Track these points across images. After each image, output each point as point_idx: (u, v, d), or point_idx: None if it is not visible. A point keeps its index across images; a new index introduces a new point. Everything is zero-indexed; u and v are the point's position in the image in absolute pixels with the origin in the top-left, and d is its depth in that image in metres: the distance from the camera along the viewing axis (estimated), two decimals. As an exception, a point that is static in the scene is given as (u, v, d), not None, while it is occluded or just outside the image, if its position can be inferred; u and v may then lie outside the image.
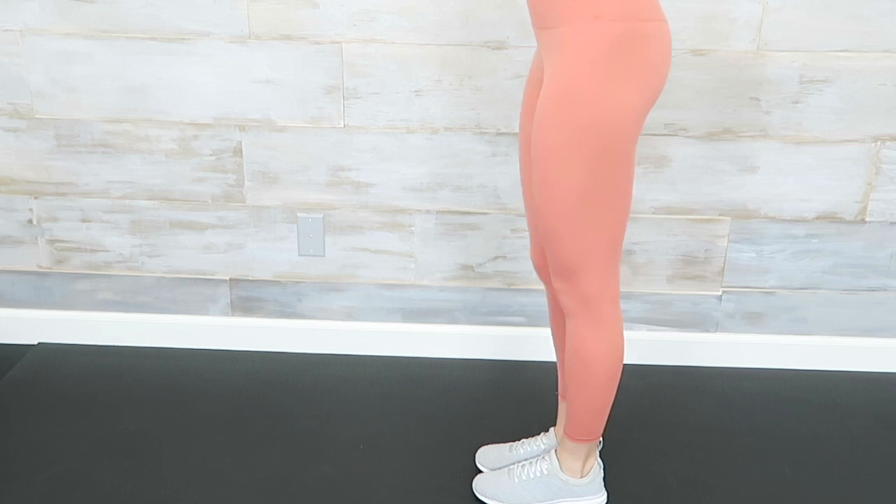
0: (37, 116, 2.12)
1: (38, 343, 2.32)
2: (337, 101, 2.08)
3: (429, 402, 2.07)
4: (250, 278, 2.26)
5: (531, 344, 2.26)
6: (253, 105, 2.09)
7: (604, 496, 1.69)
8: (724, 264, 2.19)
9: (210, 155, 2.14)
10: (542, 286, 2.23)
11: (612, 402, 1.58)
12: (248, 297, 2.28)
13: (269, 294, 2.28)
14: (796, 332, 2.25)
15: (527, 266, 2.20)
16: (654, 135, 2.08)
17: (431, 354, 2.29)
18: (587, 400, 1.56)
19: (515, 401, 2.08)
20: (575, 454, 1.64)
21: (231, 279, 2.27)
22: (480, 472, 1.80)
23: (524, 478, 1.68)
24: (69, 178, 2.18)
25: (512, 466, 1.72)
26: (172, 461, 1.82)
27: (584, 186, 1.38)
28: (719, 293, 2.22)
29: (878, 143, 2.07)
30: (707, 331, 2.26)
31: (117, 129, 2.13)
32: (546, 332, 2.25)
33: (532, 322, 2.25)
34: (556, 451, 1.68)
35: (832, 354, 2.25)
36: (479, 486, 1.72)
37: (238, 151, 2.14)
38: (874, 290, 2.21)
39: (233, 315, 2.30)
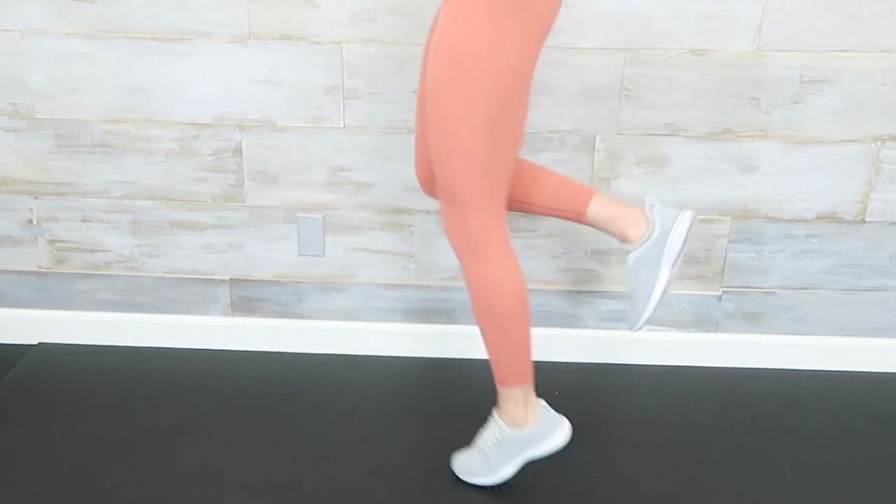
0: (37, 116, 2.13)
1: (38, 343, 2.32)
2: (337, 101, 2.08)
3: (428, 402, 2.07)
4: (250, 278, 2.26)
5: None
6: (253, 105, 2.09)
7: (565, 427, 1.67)
8: (724, 264, 2.19)
9: (210, 155, 2.14)
10: (541, 286, 2.23)
11: (526, 339, 1.60)
12: (248, 297, 2.28)
13: (269, 294, 2.28)
14: (796, 332, 2.25)
15: (527, 266, 2.20)
16: (654, 135, 2.08)
17: (431, 354, 2.29)
18: (499, 340, 1.60)
19: (515, 401, 2.08)
20: (513, 401, 1.65)
21: (231, 279, 2.27)
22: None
23: (486, 449, 1.73)
24: (69, 178, 2.18)
25: (473, 444, 1.78)
26: (172, 461, 1.82)
27: (477, 121, 1.43)
28: (719, 293, 2.22)
29: (878, 143, 2.07)
30: (707, 331, 2.26)
31: (117, 129, 2.13)
32: (547, 332, 2.25)
33: (532, 322, 2.25)
34: (495, 411, 1.72)
35: (832, 354, 2.25)
36: (458, 469, 1.79)
37: (238, 151, 2.14)
38: (874, 290, 2.21)
39: (233, 315, 2.30)
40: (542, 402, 1.70)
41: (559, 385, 2.15)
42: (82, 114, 2.12)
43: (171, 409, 2.02)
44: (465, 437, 1.92)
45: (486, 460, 1.72)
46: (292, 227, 2.20)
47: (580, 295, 2.24)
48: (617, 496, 1.74)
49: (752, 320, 2.25)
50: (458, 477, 1.78)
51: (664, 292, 1.60)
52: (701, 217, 2.15)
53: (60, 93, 2.10)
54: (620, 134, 2.08)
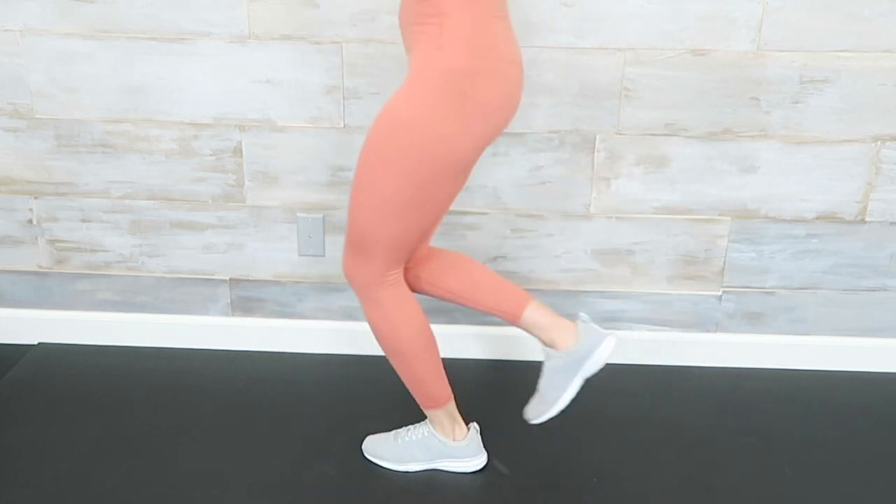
0: (37, 116, 2.13)
1: (38, 343, 2.32)
2: (337, 101, 2.08)
3: (429, 402, 2.07)
4: (250, 278, 2.26)
5: (531, 344, 2.26)
6: (253, 105, 2.09)
7: (482, 457, 1.82)
8: (724, 264, 2.19)
9: (210, 155, 2.14)
10: (541, 286, 2.23)
11: (432, 370, 1.71)
12: (248, 297, 2.28)
13: (269, 294, 2.28)
14: (796, 332, 2.25)
15: (527, 266, 2.20)
16: (654, 135, 2.08)
17: (431, 354, 2.28)
18: (404, 372, 1.71)
19: (515, 400, 2.07)
20: (435, 420, 1.78)
21: (231, 279, 2.27)
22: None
23: (406, 440, 1.82)
24: (69, 178, 2.18)
25: (397, 430, 1.86)
26: (172, 461, 1.82)
27: (395, 198, 1.50)
28: (719, 293, 2.22)
29: (878, 143, 2.07)
30: (707, 331, 2.26)
31: (117, 129, 2.13)
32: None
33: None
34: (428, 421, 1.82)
35: (832, 354, 2.25)
36: (367, 445, 1.87)
37: (238, 151, 2.14)
38: (874, 290, 2.21)
39: (233, 315, 2.30)
40: (476, 427, 1.83)
41: (559, 385, 2.15)
42: (82, 114, 2.12)
43: (171, 409, 2.02)
44: (465, 437, 1.92)
45: (402, 450, 1.82)
46: (292, 227, 2.20)
47: (580, 295, 2.24)
48: (617, 496, 1.74)
49: (752, 320, 2.25)
50: (463, 481, 1.79)
51: (569, 401, 1.72)
52: (701, 217, 2.15)
53: (60, 93, 2.10)
54: (620, 134, 2.08)
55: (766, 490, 1.76)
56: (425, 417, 1.90)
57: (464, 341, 2.27)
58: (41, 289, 2.30)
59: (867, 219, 2.14)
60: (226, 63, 2.06)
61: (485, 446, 1.87)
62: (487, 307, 1.75)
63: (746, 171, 2.10)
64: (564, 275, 2.22)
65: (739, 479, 1.80)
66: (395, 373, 2.20)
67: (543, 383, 1.74)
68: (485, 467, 1.82)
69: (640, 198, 2.13)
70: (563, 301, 2.23)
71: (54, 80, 2.09)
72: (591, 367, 1.69)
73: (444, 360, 2.27)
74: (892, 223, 2.15)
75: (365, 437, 1.91)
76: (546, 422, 1.81)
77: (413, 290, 1.75)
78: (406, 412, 2.02)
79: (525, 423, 1.98)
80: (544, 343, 1.74)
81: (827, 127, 2.06)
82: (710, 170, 2.11)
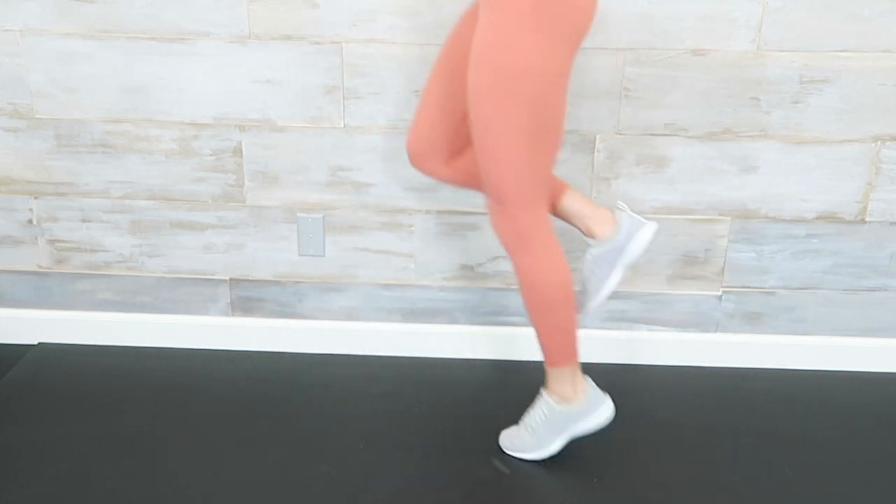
0: (37, 116, 2.13)
1: (38, 343, 2.32)
2: (337, 101, 2.08)
3: (429, 402, 2.07)
4: (250, 278, 2.26)
5: (531, 344, 2.26)
6: (253, 105, 2.09)
7: (608, 404, 1.80)
8: (724, 264, 2.19)
9: (210, 155, 2.14)
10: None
11: (573, 322, 1.72)
12: (248, 297, 2.28)
13: (269, 294, 2.28)
14: (796, 332, 2.25)
15: (527, 266, 2.20)
16: (654, 135, 2.08)
17: (431, 354, 2.28)
18: (548, 325, 1.71)
19: (515, 400, 2.07)
20: (560, 380, 1.77)
21: (231, 279, 2.27)
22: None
23: (534, 425, 1.82)
24: (69, 178, 2.18)
25: (522, 421, 1.87)
26: (172, 461, 1.82)
27: (517, 127, 1.52)
28: (719, 293, 2.22)
29: (878, 143, 2.07)
30: (707, 331, 2.26)
31: (117, 129, 2.13)
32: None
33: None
34: (544, 390, 1.81)
35: (832, 354, 2.25)
36: (506, 445, 1.87)
37: (238, 151, 2.14)
38: (874, 290, 2.21)
39: (233, 315, 2.30)
40: (589, 381, 1.81)
41: (559, 385, 2.15)
42: (82, 114, 2.12)
43: (171, 409, 2.02)
44: (466, 438, 1.92)
45: (535, 436, 1.82)
46: (292, 227, 2.20)
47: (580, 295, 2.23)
48: (617, 496, 1.74)
49: (752, 320, 2.25)
50: (463, 481, 1.79)
51: (613, 290, 1.75)
52: (701, 217, 2.15)
53: (60, 93, 2.10)
54: (620, 134, 2.08)
55: (766, 490, 1.76)
56: (423, 418, 1.90)
57: (464, 341, 2.27)
58: (41, 289, 2.30)
59: (867, 219, 2.14)
60: (226, 63, 2.06)
61: (485, 447, 1.86)
62: None
63: (746, 171, 2.10)
64: (564, 275, 2.21)
65: (739, 479, 1.80)
66: (394, 372, 2.20)
67: (586, 273, 1.76)
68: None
69: (640, 198, 2.13)
70: (563, 301, 2.23)
71: (54, 80, 2.09)
72: (631, 254, 1.71)
73: (443, 360, 2.28)
74: (892, 223, 2.15)
75: (365, 437, 1.92)
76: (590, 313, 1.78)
77: (434, 175, 1.80)
78: (406, 412, 2.02)
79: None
80: (584, 233, 1.76)
81: (827, 127, 2.06)
82: (709, 170, 2.11)
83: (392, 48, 2.02)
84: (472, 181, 1.80)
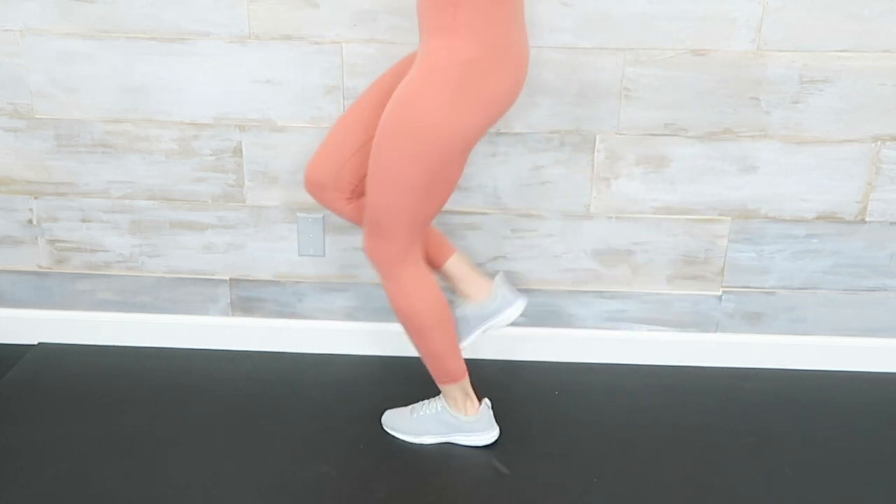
0: (37, 116, 2.13)
1: (38, 343, 2.32)
2: (337, 101, 2.08)
3: (429, 402, 2.07)
4: (250, 278, 2.26)
5: (531, 344, 2.26)
6: (253, 105, 2.09)
7: (494, 432, 1.90)
8: (724, 264, 2.19)
9: (210, 155, 2.14)
10: (541, 286, 2.23)
11: (448, 346, 1.79)
12: (248, 297, 2.28)
13: (269, 294, 2.28)
14: (796, 332, 2.25)
15: (527, 266, 2.20)
16: (654, 135, 2.08)
17: (431, 354, 2.28)
18: (424, 349, 1.79)
19: (515, 400, 2.08)
20: (450, 395, 1.86)
21: (231, 279, 2.27)
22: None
23: (421, 414, 1.90)
24: (69, 178, 2.18)
25: (414, 405, 1.94)
26: (172, 461, 1.82)
27: (412, 177, 1.58)
28: (719, 293, 2.22)
29: (878, 143, 2.07)
30: (707, 331, 2.26)
31: (117, 129, 2.13)
32: (547, 332, 2.25)
33: (532, 322, 2.25)
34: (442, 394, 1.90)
35: (832, 354, 2.25)
36: (385, 418, 1.96)
37: (238, 151, 2.14)
38: (874, 290, 2.21)
39: (233, 315, 2.30)
40: (488, 403, 1.92)
41: (559, 385, 2.15)
42: (82, 114, 2.12)
43: (171, 409, 2.02)
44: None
45: (417, 423, 1.90)
46: (292, 227, 2.20)
47: (580, 295, 2.24)
48: (617, 496, 1.74)
49: (752, 320, 2.25)
50: (463, 481, 1.79)
51: (464, 348, 1.86)
52: (701, 217, 2.15)
53: (60, 93, 2.10)
54: (620, 134, 2.08)
55: (766, 490, 1.77)
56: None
57: (464, 341, 2.27)
58: (41, 289, 2.30)
59: (867, 219, 2.14)
60: (226, 63, 2.06)
61: (485, 447, 1.87)
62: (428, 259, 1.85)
63: (746, 171, 2.10)
64: (564, 275, 2.22)
65: (739, 479, 1.80)
66: (394, 372, 2.20)
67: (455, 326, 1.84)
68: (495, 442, 1.90)
69: (640, 198, 2.13)
70: (563, 301, 2.24)
71: (54, 80, 2.09)
72: (495, 326, 1.83)
73: (444, 360, 2.27)
74: (892, 223, 2.15)
75: (365, 437, 1.92)
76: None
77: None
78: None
79: (525, 421, 1.98)
80: (460, 294, 1.87)
81: (827, 127, 2.06)
82: (709, 170, 2.11)
83: (392, 48, 2.02)
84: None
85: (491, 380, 2.18)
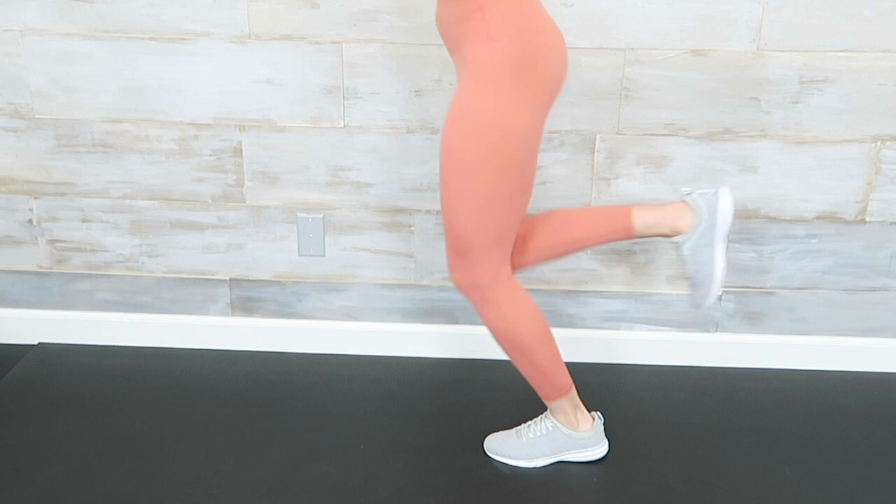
0: (37, 116, 2.13)
1: (38, 343, 2.32)
2: (337, 101, 2.08)
3: (429, 402, 2.07)
4: (250, 278, 2.26)
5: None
6: (253, 105, 2.09)
7: (605, 445, 1.84)
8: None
9: (210, 155, 2.14)
10: (541, 286, 2.23)
11: (553, 361, 1.72)
12: (248, 297, 2.28)
13: (269, 294, 2.28)
14: (796, 332, 2.25)
15: (527, 266, 2.20)
16: (654, 135, 2.08)
17: (431, 354, 2.29)
18: (529, 368, 1.72)
19: (515, 400, 2.08)
20: (560, 410, 1.80)
21: (231, 279, 2.27)
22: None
23: (531, 436, 1.83)
24: (69, 178, 2.18)
25: (519, 427, 1.86)
26: (172, 461, 1.82)
27: (489, 189, 1.54)
28: (719, 293, 2.22)
29: (878, 143, 2.07)
30: (707, 331, 2.26)
31: (117, 129, 2.13)
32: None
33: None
34: (549, 412, 1.83)
35: (832, 354, 2.25)
36: (490, 445, 1.87)
37: (238, 151, 2.14)
38: (874, 290, 2.21)
39: (233, 315, 2.30)
40: (600, 416, 1.85)
41: (559, 385, 2.15)
42: (82, 114, 2.12)
43: (171, 409, 2.02)
44: (466, 437, 1.92)
45: (529, 446, 1.83)
46: (292, 227, 2.20)
47: (580, 295, 2.24)
48: (617, 496, 1.74)
49: (752, 320, 2.25)
50: (463, 481, 1.79)
51: (724, 267, 1.72)
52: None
53: (60, 93, 2.10)
54: (620, 134, 2.08)
55: (766, 490, 1.77)
56: (423, 418, 1.90)
57: (464, 341, 2.27)
58: (41, 289, 2.30)
59: (867, 219, 2.14)
60: (226, 63, 2.06)
61: (484, 447, 1.87)
62: (598, 239, 1.74)
63: (746, 171, 2.10)
64: (564, 275, 2.22)
65: (739, 479, 1.80)
66: (394, 372, 2.20)
67: (691, 268, 1.72)
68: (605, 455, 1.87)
69: (640, 198, 2.13)
70: (563, 301, 2.24)
71: (54, 80, 2.09)
72: (723, 226, 1.68)
73: (444, 360, 2.28)
74: (892, 223, 2.15)
75: (365, 437, 1.92)
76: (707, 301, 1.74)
77: (524, 267, 1.76)
78: (406, 412, 2.02)
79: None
80: (669, 234, 1.72)
81: (827, 127, 2.06)
82: (709, 170, 2.11)
83: (392, 48, 2.02)
84: (553, 251, 1.76)
85: (491, 380, 2.18)
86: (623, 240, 1.77)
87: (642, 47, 2.00)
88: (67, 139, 2.14)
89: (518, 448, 1.83)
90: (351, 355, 2.29)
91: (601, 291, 2.23)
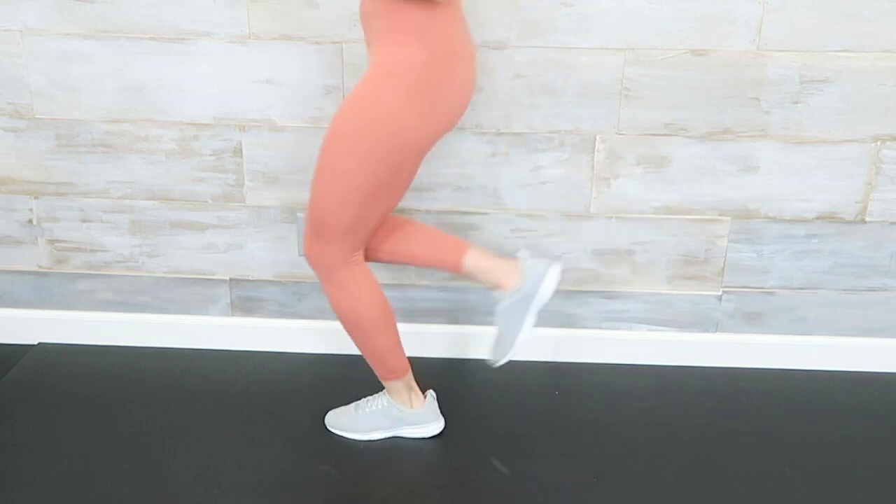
0: (37, 116, 2.13)
1: (38, 343, 2.32)
2: (337, 101, 2.08)
3: (429, 402, 2.07)
4: (250, 278, 2.26)
5: (531, 344, 2.26)
6: (253, 105, 2.09)
7: (439, 423, 1.92)
8: (724, 264, 2.19)
9: (210, 155, 2.14)
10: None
11: (391, 344, 1.79)
12: (248, 297, 2.28)
13: (269, 294, 2.28)
14: (796, 332, 2.25)
15: (527, 266, 2.20)
16: (654, 135, 2.08)
17: (431, 354, 2.29)
18: (365, 348, 1.80)
19: (515, 400, 2.08)
20: (394, 391, 1.88)
21: (231, 279, 2.27)
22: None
23: (367, 410, 1.91)
24: (69, 178, 2.18)
25: (359, 402, 1.95)
26: (172, 461, 1.82)
27: (362, 180, 1.58)
28: (719, 293, 2.22)
29: (878, 143, 2.07)
30: (707, 331, 2.26)
31: (117, 129, 2.13)
32: (547, 332, 2.25)
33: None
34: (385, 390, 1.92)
35: (832, 354, 2.25)
36: (329, 419, 1.95)
37: (238, 151, 2.14)
38: (874, 290, 2.21)
39: (233, 315, 2.30)
40: (433, 394, 1.93)
41: (559, 385, 2.15)
42: (82, 114, 2.12)
43: (171, 409, 2.02)
44: (465, 437, 1.92)
45: (365, 420, 1.90)
46: (292, 227, 2.20)
47: (580, 295, 2.24)
48: (617, 496, 1.74)
49: (752, 320, 2.25)
50: (463, 481, 1.79)
51: (528, 336, 1.81)
52: (701, 217, 2.15)
53: (60, 93, 2.10)
54: (620, 134, 2.08)
55: (766, 490, 1.77)
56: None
57: (464, 341, 2.27)
58: (41, 289, 2.30)
59: (867, 219, 2.14)
60: (226, 63, 2.06)
61: (484, 447, 1.87)
62: (429, 262, 1.81)
63: (746, 171, 2.10)
64: (564, 275, 2.22)
65: (739, 479, 1.80)
66: (394, 373, 2.20)
67: (500, 326, 1.80)
68: (441, 433, 1.91)
69: (640, 198, 2.14)
70: (564, 301, 2.24)
71: (54, 80, 2.09)
72: (541, 300, 1.76)
73: (443, 360, 2.28)
74: (892, 223, 2.15)
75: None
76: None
77: (375, 260, 1.82)
78: (406, 412, 2.02)
79: (525, 421, 1.99)
80: (491, 286, 1.81)
81: (827, 127, 2.06)
82: (709, 170, 2.11)
83: (392, 48, 2.02)
84: (392, 257, 1.82)
85: (491, 379, 2.18)
86: (451, 273, 1.84)
87: (642, 47, 2.00)
88: (67, 139, 2.14)
89: (354, 421, 1.91)
90: (351, 355, 2.29)
91: (601, 291, 2.23)
